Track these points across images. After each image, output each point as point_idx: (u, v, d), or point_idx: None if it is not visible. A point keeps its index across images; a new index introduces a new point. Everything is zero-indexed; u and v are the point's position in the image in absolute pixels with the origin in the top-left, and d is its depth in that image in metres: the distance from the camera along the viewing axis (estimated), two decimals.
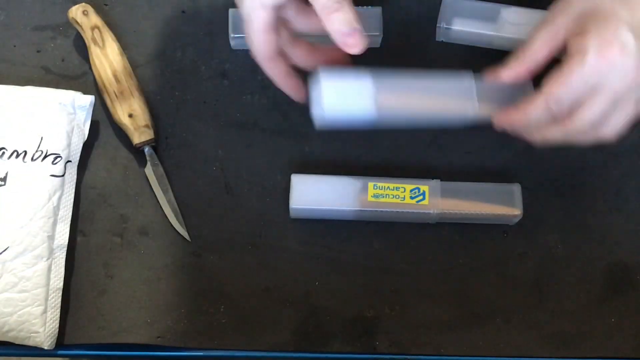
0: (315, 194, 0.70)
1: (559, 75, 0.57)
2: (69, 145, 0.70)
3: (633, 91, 0.57)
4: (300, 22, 0.63)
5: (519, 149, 0.74)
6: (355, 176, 0.71)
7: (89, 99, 0.72)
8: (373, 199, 0.69)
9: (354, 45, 0.59)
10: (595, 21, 0.55)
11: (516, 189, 0.71)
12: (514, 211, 0.70)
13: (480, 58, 0.70)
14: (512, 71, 0.61)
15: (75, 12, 0.75)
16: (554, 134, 0.61)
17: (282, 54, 0.64)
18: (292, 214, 0.70)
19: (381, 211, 0.69)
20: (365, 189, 0.70)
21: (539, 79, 0.61)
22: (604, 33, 0.54)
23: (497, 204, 0.70)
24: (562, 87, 0.57)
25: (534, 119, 0.60)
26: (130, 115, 0.72)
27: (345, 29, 0.58)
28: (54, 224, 0.67)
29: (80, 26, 0.75)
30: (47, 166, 0.68)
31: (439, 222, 0.71)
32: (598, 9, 0.56)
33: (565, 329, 0.68)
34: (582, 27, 0.56)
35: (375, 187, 0.70)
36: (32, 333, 0.65)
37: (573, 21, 0.57)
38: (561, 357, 0.68)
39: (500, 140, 0.75)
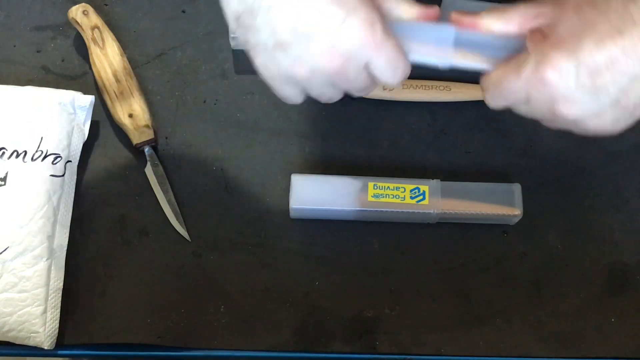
0: (315, 194, 0.70)
1: (497, 71, 0.55)
2: (69, 145, 0.70)
3: (553, 121, 0.55)
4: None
5: (519, 149, 0.74)
6: (355, 176, 0.71)
7: (89, 99, 0.72)
8: (373, 199, 0.69)
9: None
10: (560, 34, 0.52)
11: (516, 189, 0.71)
12: (514, 211, 0.70)
13: None
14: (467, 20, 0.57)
15: (75, 12, 0.75)
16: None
17: None
18: (292, 214, 0.70)
19: (381, 211, 0.69)
20: (365, 189, 0.70)
21: None
22: (552, 52, 0.51)
23: (497, 204, 0.70)
24: (494, 86, 0.55)
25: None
26: (130, 115, 0.72)
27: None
28: (54, 224, 0.67)
29: (80, 26, 0.75)
30: (47, 166, 0.68)
31: (439, 222, 0.71)
32: (574, 25, 0.51)
33: (565, 329, 0.68)
34: (551, 28, 0.53)
35: (376, 187, 0.70)
36: (32, 333, 0.65)
37: (552, 18, 0.53)
38: (561, 357, 0.68)
39: (500, 140, 0.75)
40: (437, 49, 0.57)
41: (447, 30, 0.57)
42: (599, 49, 0.50)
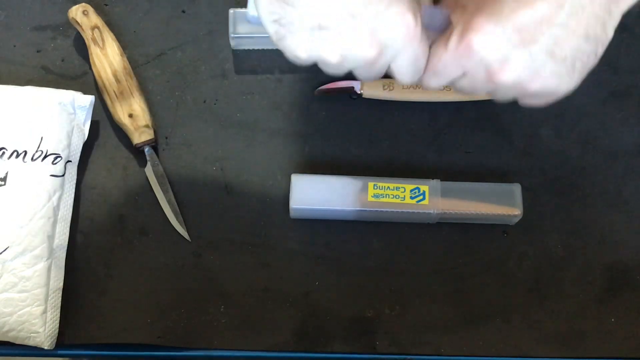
0: (315, 194, 0.70)
1: (433, 52, 0.53)
2: (69, 145, 0.70)
3: (496, 92, 0.53)
4: None
5: (519, 149, 0.74)
6: (355, 176, 0.71)
7: (89, 99, 0.72)
8: (373, 199, 0.69)
9: None
10: (476, 3, 0.50)
11: (516, 189, 0.71)
12: (514, 211, 0.70)
13: None
14: None
15: (75, 12, 0.75)
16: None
17: None
18: (292, 214, 0.70)
19: (381, 211, 0.69)
20: (365, 189, 0.70)
21: None
22: (475, 17, 0.49)
23: (497, 204, 0.70)
24: (430, 66, 0.53)
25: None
26: (130, 115, 0.72)
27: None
28: (54, 224, 0.67)
29: (80, 26, 0.75)
30: (47, 166, 0.68)
31: (439, 222, 0.71)
32: None
33: (565, 329, 0.68)
34: None
35: (376, 187, 0.70)
36: (32, 333, 0.65)
37: None
38: (561, 357, 0.68)
39: (501, 140, 0.75)
40: None
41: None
42: (521, 4, 0.48)
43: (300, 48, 0.52)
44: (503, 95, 0.54)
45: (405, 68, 0.53)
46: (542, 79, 0.51)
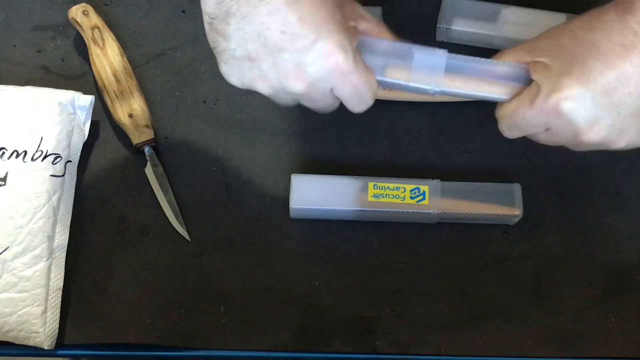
0: (315, 194, 0.70)
1: (511, 103, 0.55)
2: (69, 145, 0.70)
3: (583, 148, 0.55)
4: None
5: (519, 149, 0.74)
6: (355, 176, 0.71)
7: (89, 99, 0.72)
8: (373, 199, 0.69)
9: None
10: (564, 61, 0.52)
11: (516, 189, 0.71)
12: (514, 211, 0.70)
13: None
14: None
15: (75, 12, 0.75)
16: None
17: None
18: (292, 214, 0.70)
19: (381, 211, 0.69)
20: (365, 189, 0.70)
21: None
22: (561, 79, 0.51)
23: (497, 204, 0.70)
24: (509, 118, 0.56)
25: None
26: (130, 115, 0.72)
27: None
28: (54, 224, 0.67)
29: (80, 26, 0.75)
30: (47, 166, 0.68)
31: (439, 222, 0.71)
32: (574, 50, 0.52)
33: (565, 329, 0.68)
34: (552, 58, 0.53)
35: (376, 187, 0.70)
36: (32, 333, 0.65)
37: (550, 49, 0.54)
38: (561, 357, 0.68)
39: (501, 140, 0.75)
40: (428, 74, 0.56)
41: (438, 55, 0.56)
42: (608, 67, 0.50)
43: (234, 77, 0.54)
44: (584, 149, 0.56)
45: (347, 99, 0.54)
46: (627, 138, 0.53)
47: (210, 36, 0.54)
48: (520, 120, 0.55)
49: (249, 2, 0.49)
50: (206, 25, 0.53)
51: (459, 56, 0.56)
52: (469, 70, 0.57)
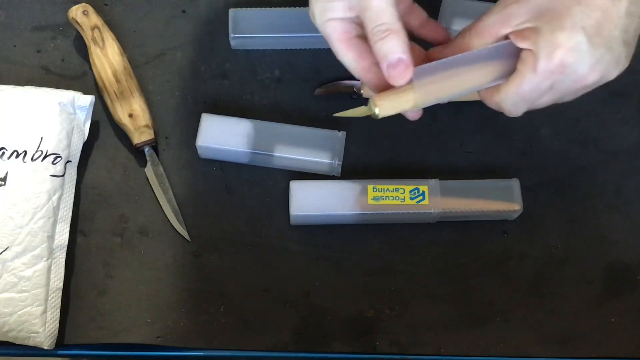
0: (315, 200, 0.69)
1: (513, 81, 0.55)
2: (69, 145, 0.70)
3: (580, 92, 0.56)
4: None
5: (518, 149, 0.74)
6: (354, 179, 0.70)
7: (89, 99, 0.72)
8: (373, 202, 0.69)
9: (398, 77, 0.56)
10: (549, 19, 0.53)
11: (515, 184, 0.71)
12: (514, 206, 0.70)
13: None
14: (452, 49, 0.59)
15: (75, 12, 0.75)
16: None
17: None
18: (293, 220, 0.70)
19: (382, 213, 0.69)
20: (364, 191, 0.69)
21: None
22: (556, 35, 0.53)
23: (496, 200, 0.70)
24: (515, 95, 0.56)
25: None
26: (130, 115, 0.72)
27: (391, 58, 0.55)
28: (54, 224, 0.67)
29: (80, 26, 0.75)
30: (47, 166, 0.68)
31: (439, 222, 0.71)
32: (553, 5, 0.54)
33: (565, 329, 0.68)
34: (534, 21, 0.54)
35: (375, 190, 0.70)
36: (32, 333, 0.65)
37: (527, 13, 0.55)
38: (561, 357, 0.68)
39: (500, 140, 0.75)
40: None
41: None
42: (592, 9, 0.52)
43: None
44: (578, 94, 0.57)
45: None
46: (620, 66, 0.55)
47: None
48: (527, 91, 0.55)
49: None
50: None
51: (432, 64, 0.57)
52: (451, 70, 0.57)
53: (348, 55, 0.59)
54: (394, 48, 0.55)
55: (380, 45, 0.55)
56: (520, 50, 0.55)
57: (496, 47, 0.56)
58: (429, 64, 0.57)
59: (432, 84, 0.57)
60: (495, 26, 0.56)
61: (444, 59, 0.57)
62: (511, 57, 0.56)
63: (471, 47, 0.57)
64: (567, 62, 0.53)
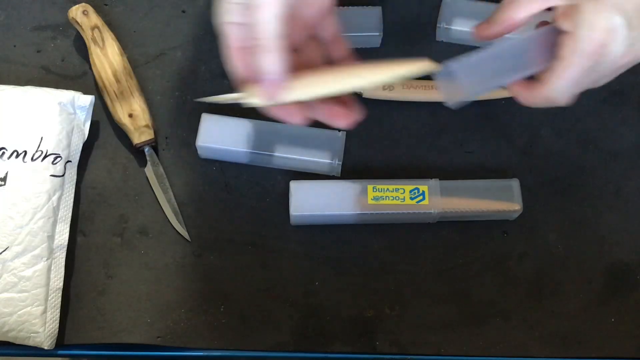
0: (315, 200, 0.69)
1: (560, 67, 0.55)
2: (69, 145, 0.70)
3: (615, 74, 0.57)
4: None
5: (519, 149, 0.74)
6: (354, 179, 0.70)
7: (89, 99, 0.72)
8: (373, 202, 0.69)
9: (270, 94, 0.55)
10: (587, 1, 0.53)
11: (514, 183, 0.71)
12: (514, 206, 0.70)
13: None
14: (490, 30, 0.59)
15: (75, 12, 0.75)
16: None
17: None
18: (293, 221, 0.70)
19: (382, 213, 0.69)
20: (364, 191, 0.69)
21: None
22: (596, 16, 0.53)
23: (496, 200, 0.70)
24: (566, 81, 0.56)
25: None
26: (130, 115, 0.72)
27: (265, 76, 0.54)
28: (54, 224, 0.67)
29: (80, 26, 0.75)
30: (47, 166, 0.68)
31: (439, 222, 0.71)
32: None
33: (565, 329, 0.68)
34: (572, 2, 0.54)
35: (375, 190, 0.69)
36: (32, 333, 0.65)
37: None
38: (561, 357, 0.68)
39: (500, 140, 0.75)
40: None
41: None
42: None
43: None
44: (612, 77, 0.57)
45: None
46: None
47: None
48: (576, 74, 0.55)
49: None
50: None
51: (475, 57, 0.56)
52: (495, 62, 0.57)
53: (234, 63, 0.56)
54: (269, 66, 0.53)
55: (257, 59, 0.54)
56: (556, 36, 0.55)
57: (539, 31, 0.56)
58: (472, 58, 0.56)
59: (477, 78, 0.57)
60: (535, 2, 0.56)
61: (484, 53, 0.56)
62: (552, 41, 0.56)
63: (514, 19, 0.57)
64: (608, 42, 0.53)
